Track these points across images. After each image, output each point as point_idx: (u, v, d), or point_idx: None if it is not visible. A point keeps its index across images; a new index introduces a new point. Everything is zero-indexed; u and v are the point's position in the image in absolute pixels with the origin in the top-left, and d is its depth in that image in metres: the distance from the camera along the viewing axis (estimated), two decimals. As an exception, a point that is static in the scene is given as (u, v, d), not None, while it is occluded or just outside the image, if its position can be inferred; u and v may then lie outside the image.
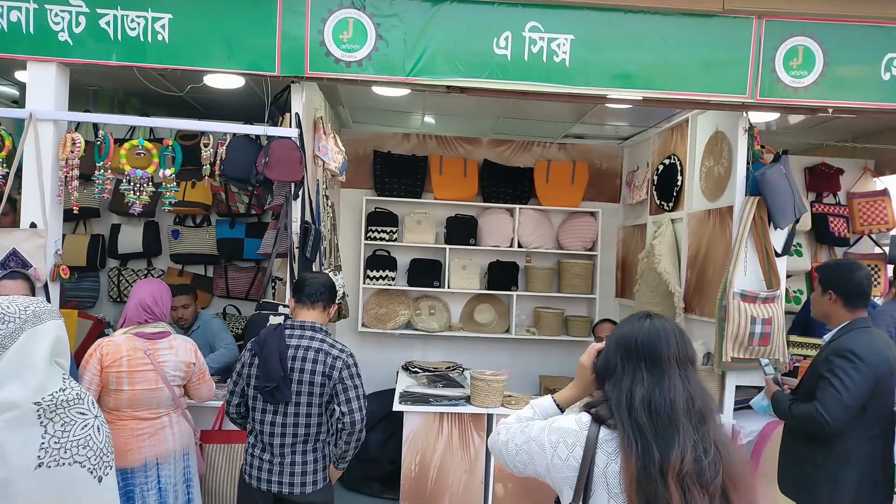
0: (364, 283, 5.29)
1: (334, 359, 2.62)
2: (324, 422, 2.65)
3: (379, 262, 5.31)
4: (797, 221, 3.78)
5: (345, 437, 2.62)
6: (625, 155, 5.73)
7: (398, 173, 5.36)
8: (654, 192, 4.82)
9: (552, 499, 1.65)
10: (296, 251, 3.46)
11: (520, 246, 5.39)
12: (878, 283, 5.58)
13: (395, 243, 5.33)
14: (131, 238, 5.20)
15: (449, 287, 5.33)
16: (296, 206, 3.50)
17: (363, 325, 5.33)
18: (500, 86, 3.40)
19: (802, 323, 4.92)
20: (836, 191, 5.74)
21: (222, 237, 5.18)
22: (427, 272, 5.33)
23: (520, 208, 5.38)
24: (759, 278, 3.66)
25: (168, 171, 3.31)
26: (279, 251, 3.50)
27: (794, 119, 5.41)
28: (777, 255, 3.66)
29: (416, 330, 5.34)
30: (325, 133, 3.95)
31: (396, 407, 3.64)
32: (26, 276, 2.92)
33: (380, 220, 5.34)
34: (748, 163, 3.68)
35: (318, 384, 2.60)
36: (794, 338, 4.34)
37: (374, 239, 5.31)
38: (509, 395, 3.76)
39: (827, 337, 2.85)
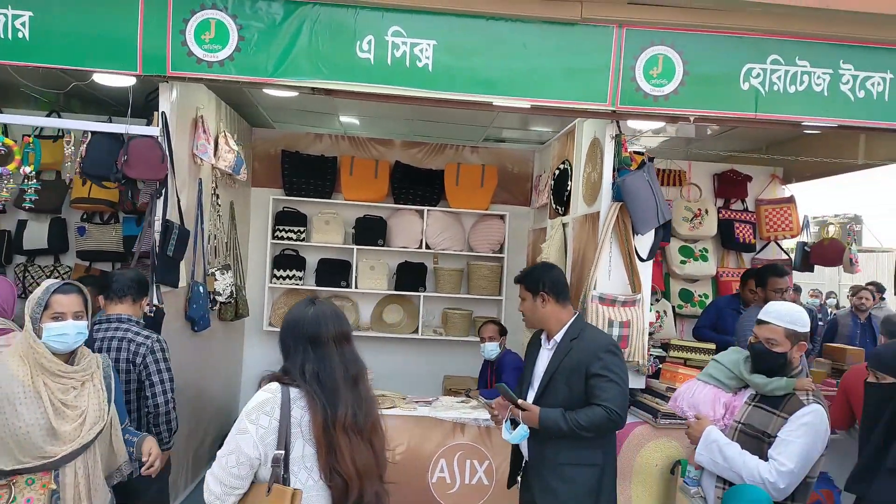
0: (271, 282, 5.31)
1: (138, 345, 2.71)
2: (133, 409, 2.71)
3: (287, 261, 5.33)
4: (665, 227, 3.84)
5: (152, 420, 2.73)
6: (535, 159, 5.80)
7: (307, 173, 5.38)
8: (552, 197, 4.88)
9: None
10: (159, 249, 3.47)
11: (428, 247, 5.44)
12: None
13: (304, 243, 5.36)
14: (37, 234, 5.18)
15: (357, 287, 5.37)
16: (161, 205, 3.52)
17: (270, 324, 5.35)
18: (363, 89, 3.43)
19: (711, 325, 5.03)
20: (743, 197, 5.85)
21: (128, 234, 5.17)
22: (335, 272, 5.36)
23: (428, 210, 5.43)
24: (625, 282, 3.72)
25: (28, 168, 3.31)
26: (143, 249, 3.51)
27: (711, 129, 5.51)
28: (642, 259, 3.73)
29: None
30: (205, 132, 3.97)
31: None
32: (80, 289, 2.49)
33: (288, 219, 5.36)
34: (615, 169, 3.74)
35: (122, 371, 2.66)
36: (675, 341, 4.43)
37: (282, 238, 5.33)
38: (382, 395, 3.79)
39: (558, 338, 2.73)
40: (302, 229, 5.34)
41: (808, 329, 2.47)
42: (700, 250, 5.68)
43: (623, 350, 3.57)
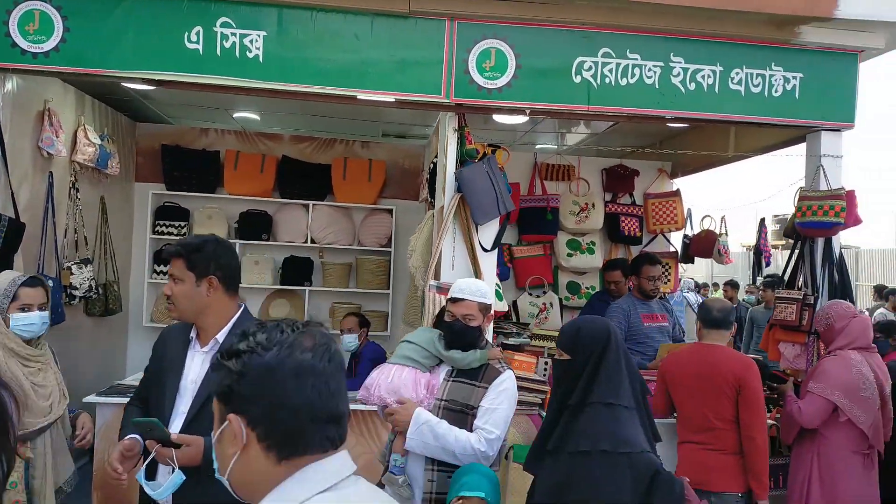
0: (151, 277, 5.26)
1: None
2: None
3: (169, 256, 5.28)
4: (508, 218, 3.89)
5: None
6: (425, 154, 5.82)
7: (189, 168, 5.35)
8: (427, 190, 4.92)
9: None
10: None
11: (314, 242, 5.44)
12: (669, 281, 5.79)
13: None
14: None
15: (241, 282, 5.33)
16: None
17: (151, 320, 5.30)
18: (193, 79, 3.42)
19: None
20: (630, 191, 5.95)
21: None
22: (218, 267, 5.32)
23: (314, 204, 5.42)
24: (469, 272, 3.76)
25: None
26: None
27: (602, 125, 5.61)
28: (486, 250, 3.77)
29: (205, 325, 5.33)
30: (52, 125, 3.92)
31: (86, 398, 3.64)
32: (43, 283, 2.72)
33: (169, 214, 5.32)
34: (459, 161, 3.77)
35: None
36: (537, 329, 4.50)
37: (163, 234, 5.29)
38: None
39: (220, 337, 2.17)
40: (183, 224, 5.30)
41: (491, 302, 2.58)
42: (587, 243, 5.77)
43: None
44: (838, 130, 3.80)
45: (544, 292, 5.74)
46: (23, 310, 2.51)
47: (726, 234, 5.11)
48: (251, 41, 3.43)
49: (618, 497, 1.84)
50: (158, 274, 5.25)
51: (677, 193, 5.86)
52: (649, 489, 1.86)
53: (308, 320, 1.24)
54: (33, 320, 2.53)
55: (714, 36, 3.63)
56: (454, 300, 2.51)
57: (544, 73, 3.59)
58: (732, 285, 8.11)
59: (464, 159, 3.77)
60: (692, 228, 5.74)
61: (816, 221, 3.66)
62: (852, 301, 3.84)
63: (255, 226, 5.36)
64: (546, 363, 4.01)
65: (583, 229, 5.72)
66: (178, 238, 5.32)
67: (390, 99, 3.63)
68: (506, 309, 4.12)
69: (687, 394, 3.15)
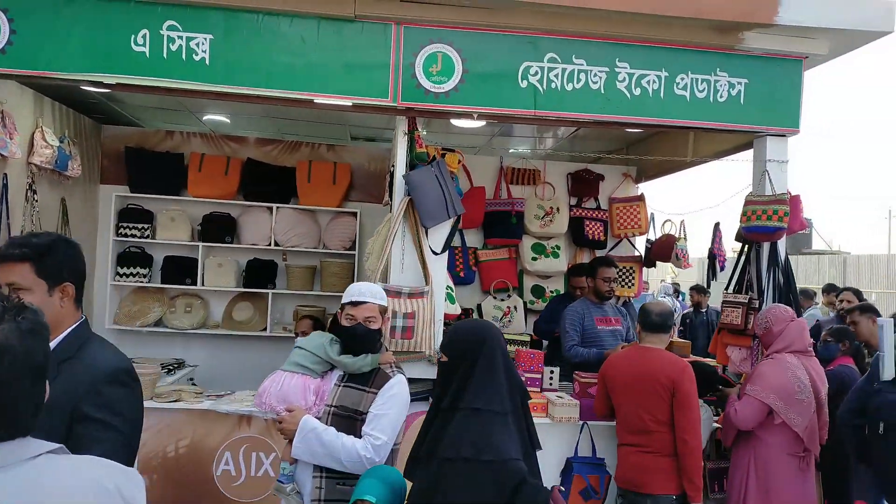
0: (114, 280, 5.27)
1: None
2: None
3: (131, 259, 5.30)
4: (459, 221, 3.92)
5: None
6: (390, 157, 5.85)
7: (153, 170, 5.36)
8: (388, 194, 4.94)
9: None
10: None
11: (277, 244, 5.45)
12: (633, 285, 5.83)
13: (149, 240, 5.33)
14: None
15: (204, 285, 5.36)
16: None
17: (114, 322, 5.31)
18: (140, 82, 3.45)
19: (546, 320, 5.15)
20: (595, 196, 5.99)
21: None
22: (180, 270, 5.34)
23: (277, 207, 5.44)
24: (419, 275, 3.79)
25: None
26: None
27: (568, 130, 5.65)
28: (435, 253, 3.79)
29: (167, 328, 5.34)
30: (6, 126, 3.93)
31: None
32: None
33: (132, 216, 5.34)
34: (410, 165, 3.80)
35: None
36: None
37: (126, 236, 5.30)
38: (175, 390, 3.79)
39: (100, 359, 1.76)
40: (146, 226, 5.31)
41: (385, 303, 2.57)
42: (552, 247, 5.80)
43: (409, 340, 3.67)
44: (783, 136, 3.85)
45: (509, 296, 5.77)
46: None
47: (685, 238, 5.14)
48: (198, 44, 3.45)
49: None
50: (122, 276, 5.26)
51: (641, 198, 5.90)
52: (513, 498, 1.87)
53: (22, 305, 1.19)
54: None
55: (659, 42, 3.67)
56: (355, 303, 2.49)
57: (491, 78, 3.62)
58: (699, 290, 8.18)
59: (415, 163, 3.80)
60: (655, 233, 5.78)
61: (761, 226, 3.70)
62: (797, 305, 3.88)
63: (219, 228, 5.37)
64: (551, 372, 4.01)
65: (547, 233, 5.75)
66: (142, 240, 5.34)
67: (346, 103, 3.66)
68: (458, 311, 4.13)
69: (624, 396, 3.18)
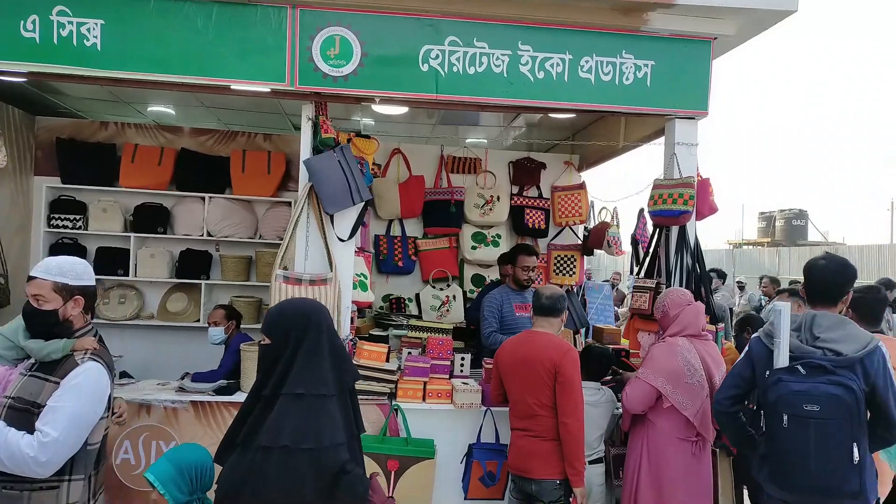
0: (45, 271, 5.23)
1: None
2: None
3: (64, 250, 5.26)
4: (366, 209, 3.88)
5: None
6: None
7: (85, 161, 5.32)
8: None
9: None
10: None
11: (210, 235, 5.42)
12: (574, 273, 5.79)
13: (81, 231, 5.29)
14: None
15: (136, 276, 5.32)
16: None
17: (47, 313, 5.27)
18: (30, 68, 3.41)
19: (476, 307, 5.10)
20: (537, 184, 5.94)
21: None
22: (113, 261, 5.31)
23: (210, 197, 5.40)
24: (325, 262, 3.75)
25: None
26: None
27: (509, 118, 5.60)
28: (342, 240, 3.75)
29: (100, 319, 5.31)
30: None
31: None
32: None
33: (64, 207, 5.30)
34: (315, 151, 3.75)
35: None
36: (415, 321, 4.47)
37: (58, 227, 5.26)
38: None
39: None
40: (78, 217, 5.27)
41: (83, 283, 2.27)
42: (493, 236, 5.76)
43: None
44: (693, 118, 3.80)
45: (448, 285, 5.73)
46: None
47: (617, 225, 5.09)
48: (88, 29, 3.41)
49: (293, 495, 1.79)
50: (52, 267, 5.22)
51: (582, 186, 5.85)
52: (333, 485, 1.83)
53: None
54: None
55: (562, 24, 3.62)
56: (29, 279, 2.23)
57: (391, 62, 3.57)
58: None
59: (320, 149, 3.75)
60: (594, 220, 5.73)
61: (666, 210, 3.66)
62: (707, 290, 3.84)
63: (151, 219, 5.33)
64: (462, 359, 3.96)
65: (488, 222, 5.71)
66: (75, 231, 5.30)
67: (256, 88, 3.62)
68: (370, 300, 4.09)
69: (513, 381, 3.14)
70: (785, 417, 2.38)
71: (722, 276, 7.48)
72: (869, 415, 2.48)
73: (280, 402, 1.86)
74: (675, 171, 3.76)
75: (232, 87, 3.58)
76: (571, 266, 5.76)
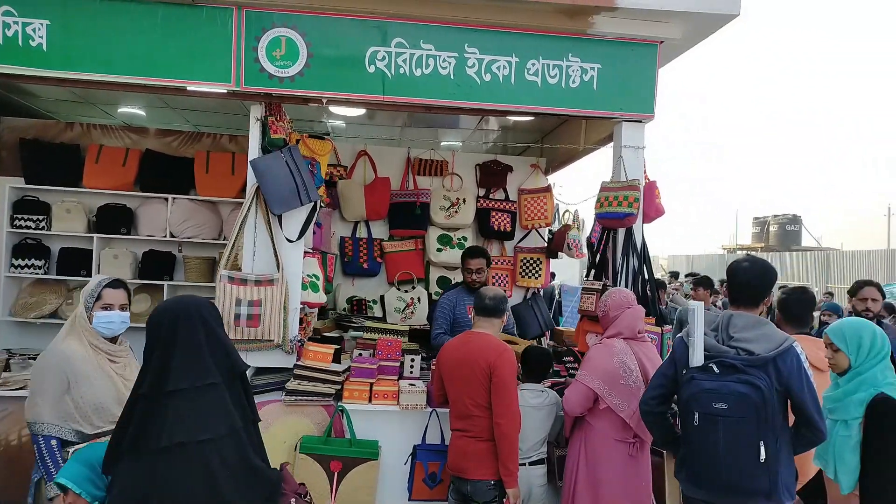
0: (9, 271, 5.24)
1: None
2: None
3: (27, 250, 5.27)
4: (316, 210, 3.89)
5: None
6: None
7: (49, 162, 5.32)
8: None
9: None
10: None
11: (173, 236, 5.42)
12: (540, 276, 5.80)
13: (44, 232, 5.30)
14: None
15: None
16: None
17: (11, 313, 5.28)
18: (-27, 68, 3.42)
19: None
20: (503, 186, 5.95)
21: None
22: (76, 261, 5.31)
23: (173, 198, 5.41)
24: (272, 263, 3.75)
25: None
26: None
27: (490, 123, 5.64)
28: (290, 240, 3.76)
29: (63, 319, 5.31)
30: None
31: None
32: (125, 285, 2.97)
33: (27, 208, 5.30)
34: (264, 151, 3.77)
35: None
36: (370, 323, 4.47)
37: (21, 227, 5.27)
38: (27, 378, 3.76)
39: None
40: (42, 218, 5.27)
41: None
42: (459, 238, 5.77)
43: (255, 328, 3.64)
44: (639, 122, 3.82)
45: (413, 287, 5.74)
46: (105, 309, 2.74)
47: (578, 228, 5.11)
48: (34, 29, 3.42)
49: (207, 493, 1.77)
50: (17, 268, 5.23)
51: (548, 189, 5.86)
52: (242, 475, 1.82)
53: None
54: (113, 319, 2.75)
55: (508, 27, 3.64)
56: None
57: (337, 63, 3.59)
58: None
59: (269, 149, 3.76)
60: (559, 223, 5.75)
61: (612, 212, 3.67)
62: (654, 291, 3.85)
63: (115, 219, 5.33)
64: (412, 360, 3.96)
65: (453, 224, 5.72)
66: (38, 232, 5.30)
67: (206, 89, 3.65)
68: (322, 301, 4.10)
69: (451, 381, 3.15)
70: (696, 415, 2.40)
71: (707, 283, 7.42)
72: (793, 417, 2.50)
73: (165, 400, 1.82)
74: (621, 174, 3.78)
75: (176, 87, 3.59)
76: (537, 269, 5.78)
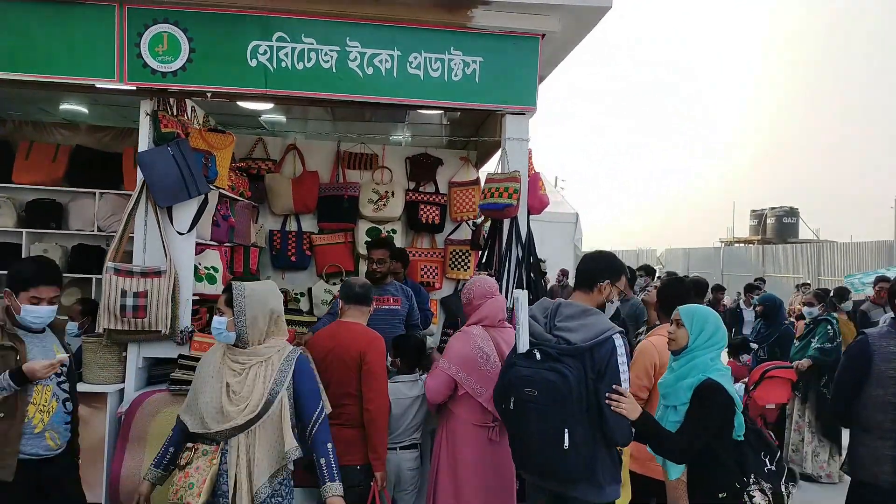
0: (-63, 266, 5.34)
1: None
2: None
3: (-44, 245, 5.37)
4: (206, 202, 3.95)
5: None
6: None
7: (-23, 158, 5.41)
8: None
9: None
10: None
11: (100, 230, 5.50)
12: (469, 268, 5.86)
13: (-27, 227, 5.39)
14: None
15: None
16: None
17: (-60, 307, 5.37)
18: None
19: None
20: (433, 179, 6.01)
21: None
22: (5, 256, 5.40)
23: (102, 192, 5.49)
24: (163, 256, 3.82)
25: None
26: None
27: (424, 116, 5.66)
28: (180, 233, 3.83)
29: (-8, 312, 5.41)
30: None
31: None
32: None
33: (-43, 203, 5.39)
34: (156, 145, 3.83)
35: None
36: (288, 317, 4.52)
37: (-51, 222, 5.36)
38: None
39: None
40: (-29, 213, 5.38)
41: None
42: (388, 231, 5.83)
43: (141, 318, 3.71)
44: (523, 114, 3.86)
45: (341, 280, 5.80)
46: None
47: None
48: (-81, 27, 3.51)
49: None
50: (-55, 263, 5.33)
51: (477, 182, 5.91)
52: None
53: None
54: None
55: (389, 20, 3.69)
56: None
57: (219, 57, 3.65)
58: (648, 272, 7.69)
59: (159, 144, 3.83)
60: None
61: (493, 203, 3.72)
62: (539, 281, 3.90)
63: (44, 214, 5.42)
64: None
65: (382, 217, 5.79)
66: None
67: (127, 88, 3.71)
68: (219, 291, 4.16)
69: (324, 370, 3.20)
70: (512, 400, 2.45)
71: (649, 270, 7.47)
72: None
73: None
74: (506, 166, 3.83)
75: (65, 84, 3.66)
76: (466, 261, 5.84)
